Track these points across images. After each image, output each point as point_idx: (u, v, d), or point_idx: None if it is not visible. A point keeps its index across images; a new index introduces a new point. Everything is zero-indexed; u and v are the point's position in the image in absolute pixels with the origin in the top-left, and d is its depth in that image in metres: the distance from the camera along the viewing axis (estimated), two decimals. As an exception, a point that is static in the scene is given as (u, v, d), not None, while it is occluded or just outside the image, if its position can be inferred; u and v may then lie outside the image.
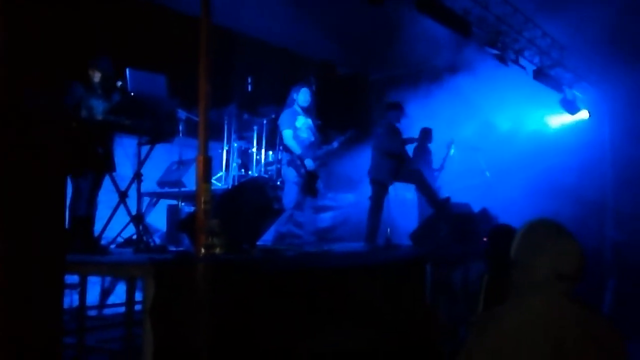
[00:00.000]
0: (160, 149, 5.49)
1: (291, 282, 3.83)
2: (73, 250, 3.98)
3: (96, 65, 4.97)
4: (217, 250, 3.53)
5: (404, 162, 6.72)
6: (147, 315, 3.10)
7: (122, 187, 5.02)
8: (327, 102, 7.72)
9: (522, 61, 7.74)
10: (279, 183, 6.74)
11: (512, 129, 9.16)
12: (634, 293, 7.93)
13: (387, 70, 10.60)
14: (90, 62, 4.97)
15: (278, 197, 5.23)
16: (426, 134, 8.05)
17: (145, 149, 5.13)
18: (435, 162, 8.19)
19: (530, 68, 7.92)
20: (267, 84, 7.81)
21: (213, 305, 3.17)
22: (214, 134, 6.68)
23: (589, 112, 9.32)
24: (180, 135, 6.52)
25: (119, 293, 6.30)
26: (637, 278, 8.09)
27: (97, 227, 4.96)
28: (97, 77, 4.97)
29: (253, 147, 7.21)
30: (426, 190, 6.87)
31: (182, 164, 6.63)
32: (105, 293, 6.40)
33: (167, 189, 6.80)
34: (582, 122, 9.36)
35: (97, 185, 4.88)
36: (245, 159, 7.19)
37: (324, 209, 7.72)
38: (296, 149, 6.12)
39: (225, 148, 7.11)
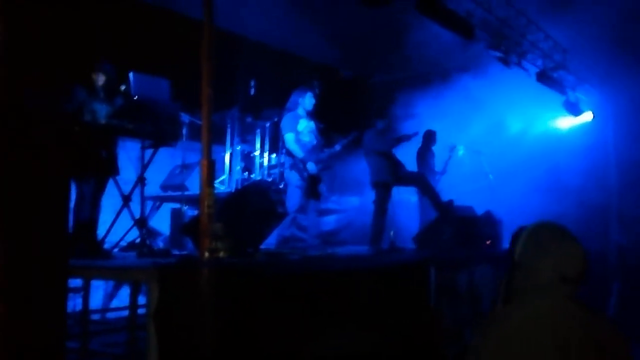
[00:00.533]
0: (164, 153, 5.49)
1: (295, 286, 3.82)
2: (76, 254, 3.98)
3: (100, 68, 4.98)
4: (221, 254, 3.52)
5: (395, 161, 6.71)
6: (151, 319, 3.09)
7: (126, 191, 5.02)
8: (330, 105, 7.71)
9: (525, 64, 7.74)
10: (282, 186, 6.73)
11: (516, 131, 9.14)
12: (638, 296, 7.90)
13: (390, 73, 10.61)
14: (94, 66, 4.98)
15: (282, 201, 5.22)
16: (430, 136, 8.04)
17: (148, 152, 5.13)
18: (438, 165, 8.17)
19: (533, 71, 7.92)
20: (269, 87, 7.80)
21: (217, 309, 3.16)
22: (217, 137, 6.69)
23: (592, 114, 9.30)
24: (184, 139, 6.52)
25: (122, 297, 6.30)
26: (641, 281, 8.08)
27: (101, 231, 4.97)
28: (101, 80, 4.98)
29: (256, 150, 7.20)
30: (429, 193, 6.86)
31: (185, 167, 6.63)
32: (109, 297, 6.41)
33: (170, 193, 6.80)
34: (585, 125, 9.34)
35: (100, 189, 4.88)
36: (248, 162, 7.19)
37: (328, 212, 7.71)
38: (298, 152, 6.12)
39: (228, 151, 7.12)
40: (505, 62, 7.29)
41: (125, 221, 5.07)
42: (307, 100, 6.26)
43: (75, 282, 4.81)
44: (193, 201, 6.26)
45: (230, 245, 3.61)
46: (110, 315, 6.28)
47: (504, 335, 2.03)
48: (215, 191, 3.69)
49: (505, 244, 6.86)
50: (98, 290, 6.15)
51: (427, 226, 6.67)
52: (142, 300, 4.87)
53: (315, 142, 6.31)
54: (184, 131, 6.58)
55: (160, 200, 7.00)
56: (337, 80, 10.20)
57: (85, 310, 4.72)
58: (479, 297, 5.84)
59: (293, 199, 6.11)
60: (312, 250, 5.63)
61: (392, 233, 6.58)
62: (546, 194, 8.29)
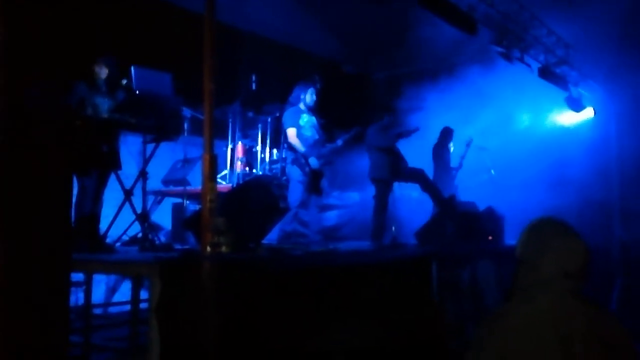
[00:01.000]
0: (165, 147, 5.49)
1: (297, 281, 3.82)
2: (78, 249, 3.98)
3: (103, 61, 4.97)
4: (223, 249, 3.52)
5: (398, 156, 6.70)
6: (153, 313, 3.09)
7: (127, 186, 5.02)
8: (332, 100, 7.70)
9: (527, 59, 7.70)
10: (283, 181, 6.73)
11: (518, 127, 9.13)
12: (641, 292, 7.91)
13: (392, 68, 10.58)
14: (97, 60, 4.97)
15: (283, 196, 5.22)
16: (447, 133, 8.02)
17: (150, 147, 5.13)
18: (454, 161, 8.16)
19: (536, 66, 7.88)
20: (271, 82, 7.79)
21: (219, 304, 3.17)
22: (218, 132, 6.67)
23: (594, 110, 9.28)
24: (185, 133, 6.51)
25: (124, 291, 6.31)
26: (644, 277, 8.08)
27: (103, 226, 4.97)
28: (103, 73, 4.98)
29: (257, 145, 7.20)
30: (431, 190, 6.85)
31: (186, 162, 6.62)
32: (111, 291, 6.41)
33: (172, 187, 6.80)
34: (588, 121, 9.31)
35: (102, 184, 4.88)
36: (249, 157, 7.18)
37: (330, 207, 7.71)
38: (300, 147, 6.11)
39: (230, 146, 7.11)
40: (508, 57, 7.26)
41: (127, 216, 5.07)
42: (309, 96, 6.26)
43: (78, 277, 4.81)
44: (194, 196, 6.26)
45: (232, 240, 3.61)
46: (112, 309, 6.28)
47: (507, 331, 2.04)
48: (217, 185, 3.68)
49: (508, 240, 6.87)
50: (100, 284, 6.16)
51: (429, 222, 6.67)
52: (144, 294, 4.87)
53: (317, 137, 6.30)
54: (186, 126, 6.57)
55: (162, 194, 7.00)
56: (339, 75, 10.18)
57: (88, 304, 4.71)
58: (481, 292, 5.84)
59: (295, 194, 6.11)
60: (314, 245, 5.62)
61: (393, 228, 6.58)
62: (549, 190, 8.28)
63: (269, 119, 7.22)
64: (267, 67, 8.15)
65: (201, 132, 3.67)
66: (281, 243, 5.62)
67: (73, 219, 4.18)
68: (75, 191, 4.49)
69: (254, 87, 7.23)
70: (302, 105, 6.29)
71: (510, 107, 8.73)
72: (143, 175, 5.02)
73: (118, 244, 5.10)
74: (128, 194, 4.98)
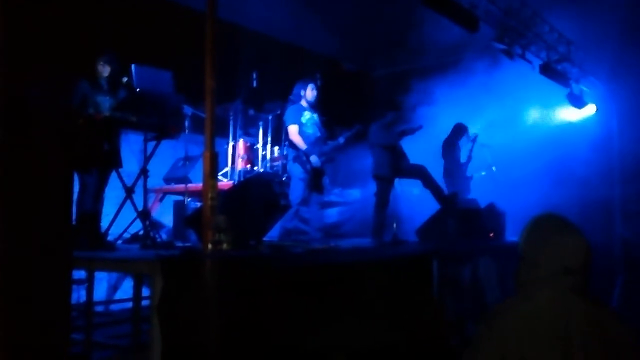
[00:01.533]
0: (166, 145, 5.49)
1: (298, 278, 3.82)
2: (80, 246, 3.99)
3: (105, 59, 4.97)
4: (224, 246, 3.52)
5: (400, 154, 6.69)
6: (154, 311, 3.10)
7: (128, 183, 5.03)
8: (333, 97, 7.70)
9: (528, 56, 7.69)
10: (284, 179, 6.73)
11: (520, 123, 9.11)
12: (642, 289, 7.92)
13: (393, 65, 10.57)
14: (99, 58, 4.97)
15: (285, 193, 5.23)
16: (459, 130, 8.01)
17: (151, 145, 5.13)
18: (463, 157, 8.16)
19: (537, 63, 7.86)
20: (272, 80, 7.78)
21: (220, 301, 3.17)
22: (219, 129, 6.67)
23: (596, 107, 9.26)
24: (186, 131, 6.51)
25: (126, 289, 6.32)
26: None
27: (104, 223, 4.97)
28: (106, 71, 4.98)
29: (258, 143, 7.20)
30: (432, 187, 6.84)
31: (188, 160, 6.63)
32: (112, 289, 6.43)
33: (173, 185, 6.81)
34: (590, 118, 9.30)
35: (103, 182, 4.89)
36: (250, 155, 7.18)
37: (331, 204, 7.71)
38: (302, 144, 6.11)
39: (231, 144, 7.11)
40: (509, 54, 7.24)
41: (129, 213, 5.08)
42: (309, 91, 6.26)
43: (79, 274, 4.82)
44: (195, 193, 6.26)
45: (233, 238, 3.61)
46: (114, 307, 6.30)
47: (506, 328, 2.04)
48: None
49: (509, 236, 6.86)
50: (102, 282, 6.17)
51: (430, 219, 6.67)
52: (145, 292, 4.88)
53: (318, 134, 6.30)
54: (187, 123, 6.57)
55: (163, 192, 7.01)
56: (340, 73, 10.17)
57: (89, 302, 4.72)
58: (481, 290, 5.84)
59: (296, 191, 6.11)
60: (315, 242, 5.63)
61: (394, 225, 6.58)
62: (550, 187, 8.27)
63: (270, 117, 7.22)
64: (268, 64, 8.15)
65: (202, 130, 3.67)
66: (282, 240, 5.62)
67: (74, 216, 4.19)
68: (76, 189, 4.50)
69: (255, 84, 7.23)
70: (303, 103, 6.29)
71: (511, 104, 8.71)
72: (144, 173, 5.03)
73: (119, 242, 5.11)
74: (129, 191, 4.98)
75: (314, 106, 6.36)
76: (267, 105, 7.35)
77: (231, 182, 6.74)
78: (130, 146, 5.30)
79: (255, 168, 7.07)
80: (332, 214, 7.83)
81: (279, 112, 6.99)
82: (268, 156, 7.20)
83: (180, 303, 3.15)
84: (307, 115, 6.25)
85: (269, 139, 7.23)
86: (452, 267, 5.54)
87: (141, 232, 5.05)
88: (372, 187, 6.84)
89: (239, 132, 7.18)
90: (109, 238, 4.93)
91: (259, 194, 4.52)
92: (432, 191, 6.85)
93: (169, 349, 3.05)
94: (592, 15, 7.19)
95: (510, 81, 7.86)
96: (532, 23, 7.52)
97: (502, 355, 2.01)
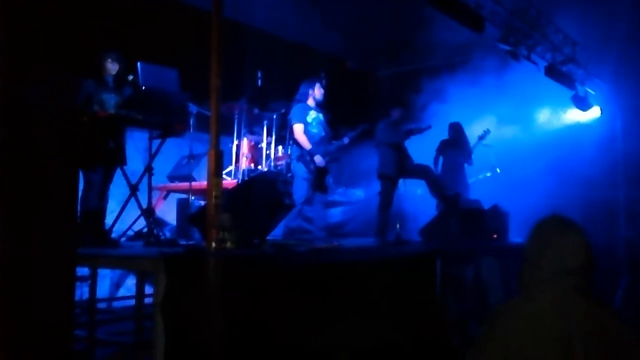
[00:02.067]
0: (171, 143, 5.50)
1: (302, 277, 3.82)
2: (84, 243, 4.00)
3: (114, 57, 4.98)
4: (228, 245, 3.52)
5: (404, 153, 6.68)
6: (158, 308, 3.10)
7: (133, 181, 5.04)
8: (338, 97, 7.70)
9: (534, 57, 7.66)
10: (289, 178, 6.73)
11: (524, 124, 9.10)
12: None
13: (398, 65, 10.56)
14: (107, 55, 4.98)
15: (289, 192, 5.22)
16: (453, 129, 7.97)
17: (156, 143, 5.14)
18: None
19: (542, 64, 7.84)
20: (277, 79, 7.79)
21: (223, 300, 3.18)
22: (224, 128, 6.67)
23: (600, 109, 9.24)
24: (191, 129, 6.52)
25: (128, 286, 6.34)
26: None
27: (108, 221, 4.99)
28: (114, 69, 4.99)
29: (263, 141, 7.20)
30: (436, 187, 6.84)
31: (192, 158, 6.64)
32: (115, 286, 6.44)
33: (177, 183, 6.82)
34: (594, 119, 9.28)
35: (108, 179, 4.90)
36: (255, 153, 7.19)
37: (334, 204, 7.71)
38: (306, 144, 6.11)
39: (236, 142, 7.12)
40: (515, 55, 7.22)
41: (133, 211, 5.09)
42: (317, 90, 6.25)
43: (83, 271, 4.84)
44: (200, 191, 6.28)
45: (236, 236, 3.61)
46: (116, 304, 6.31)
47: (509, 329, 2.05)
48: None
49: (513, 237, 6.85)
50: (105, 279, 6.19)
51: (433, 219, 6.66)
52: (148, 289, 4.89)
53: (323, 134, 6.29)
54: (192, 122, 6.59)
55: (167, 190, 7.02)
56: (345, 72, 10.16)
57: (92, 298, 4.74)
58: (484, 290, 5.84)
59: (299, 190, 6.11)
60: (318, 242, 5.63)
61: (398, 226, 6.57)
62: (554, 187, 8.26)
63: (275, 116, 7.23)
64: (273, 63, 8.15)
65: (207, 128, 3.67)
66: (286, 239, 5.63)
67: (79, 213, 4.20)
68: (81, 186, 4.51)
69: (260, 83, 7.23)
70: (310, 102, 6.28)
71: (516, 105, 8.70)
72: (149, 170, 5.04)
73: (123, 239, 5.12)
74: (134, 189, 5.00)
75: (321, 105, 6.35)
76: (271, 104, 7.35)
77: (235, 180, 6.75)
78: (135, 144, 5.31)
79: (260, 167, 7.08)
80: (335, 214, 7.84)
81: (283, 111, 7.00)
82: (272, 155, 7.20)
83: (184, 301, 3.15)
84: (312, 114, 6.25)
85: (274, 137, 7.24)
86: (455, 268, 5.54)
87: (145, 230, 5.06)
88: (375, 186, 6.84)
89: (243, 130, 7.18)
90: (113, 235, 4.95)
91: (263, 192, 4.52)
92: (436, 192, 6.85)
93: (172, 346, 3.05)
94: (597, 17, 7.18)
95: (516, 82, 7.85)
96: (538, 24, 7.50)
97: (505, 356, 2.01)
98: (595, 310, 2.02)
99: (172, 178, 6.94)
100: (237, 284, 3.32)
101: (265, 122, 7.24)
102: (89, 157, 4.62)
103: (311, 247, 4.75)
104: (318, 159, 6.08)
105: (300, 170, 6.17)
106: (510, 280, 5.85)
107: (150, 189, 5.09)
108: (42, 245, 2.44)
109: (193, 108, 6.51)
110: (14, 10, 2.35)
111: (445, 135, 7.99)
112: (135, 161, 5.24)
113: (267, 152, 7.19)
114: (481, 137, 8.04)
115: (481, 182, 8.46)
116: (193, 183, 6.27)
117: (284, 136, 7.15)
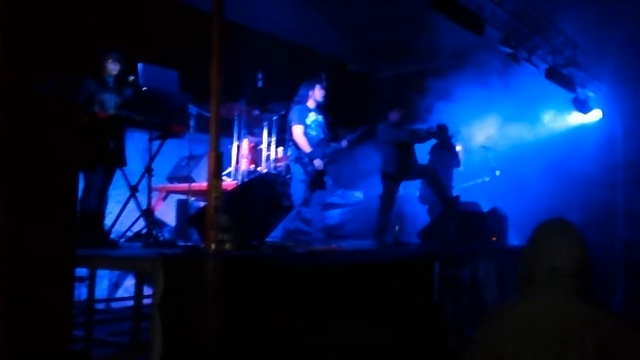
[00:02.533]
0: (170, 144, 5.50)
1: (300, 279, 3.82)
2: (83, 244, 4.00)
3: (116, 57, 4.98)
4: (227, 246, 3.53)
5: (407, 153, 6.67)
6: (156, 309, 3.10)
7: (132, 182, 5.04)
8: (337, 98, 7.70)
9: (534, 60, 7.66)
10: (287, 179, 6.73)
11: (524, 127, 9.10)
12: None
13: (398, 67, 10.57)
14: (109, 55, 4.98)
15: (287, 194, 5.22)
16: (442, 129, 7.96)
17: (155, 144, 5.14)
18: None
19: (543, 67, 7.84)
20: (277, 80, 7.79)
21: (222, 301, 3.18)
22: (224, 129, 6.67)
23: (601, 112, 9.24)
24: (191, 130, 6.53)
25: (126, 287, 6.34)
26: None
27: (107, 221, 4.99)
28: (115, 69, 4.99)
29: (262, 143, 7.20)
30: (437, 188, 6.82)
31: (192, 159, 6.64)
32: (114, 287, 6.44)
33: (176, 184, 6.82)
34: (594, 122, 9.28)
35: (107, 180, 4.91)
36: (254, 155, 7.19)
37: (332, 206, 7.71)
38: (306, 146, 6.09)
39: (235, 144, 7.12)
40: (515, 58, 7.21)
41: (132, 212, 5.09)
42: (318, 91, 6.24)
43: (81, 272, 4.83)
44: (199, 193, 6.28)
45: (235, 238, 3.62)
46: (115, 304, 6.31)
47: (504, 330, 2.06)
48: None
49: (511, 240, 6.86)
50: (103, 280, 6.18)
51: (432, 221, 6.66)
52: (147, 290, 4.89)
53: (322, 136, 6.28)
54: (192, 123, 6.59)
55: (166, 191, 7.02)
56: (345, 73, 10.16)
57: (91, 299, 4.73)
58: (482, 292, 5.84)
59: (297, 192, 6.10)
60: (316, 243, 5.63)
61: (396, 228, 6.57)
62: (553, 190, 8.26)
63: (275, 117, 7.23)
64: (273, 64, 8.15)
65: (207, 129, 3.67)
66: (284, 241, 5.63)
67: (78, 214, 4.20)
68: (81, 187, 4.51)
69: (259, 84, 7.24)
70: (310, 103, 6.26)
71: (516, 107, 8.69)
72: (149, 171, 5.04)
73: (122, 240, 5.12)
74: (133, 190, 5.00)
75: (321, 107, 6.34)
76: (271, 106, 7.34)
77: (235, 182, 6.75)
78: (135, 144, 5.31)
79: (259, 168, 7.08)
80: (334, 215, 7.84)
81: (283, 112, 6.99)
82: (272, 156, 7.20)
83: (182, 302, 3.16)
84: (312, 116, 6.24)
85: (273, 139, 7.24)
86: (453, 270, 5.54)
87: (144, 231, 5.06)
88: (374, 188, 6.83)
89: (243, 132, 7.19)
90: (112, 236, 4.95)
91: (262, 194, 4.52)
92: (437, 193, 6.84)
93: (170, 347, 3.05)
94: (598, 19, 7.18)
95: (519, 84, 7.85)
96: (539, 26, 7.50)
97: (501, 357, 2.01)
98: (591, 312, 2.02)
99: (171, 179, 6.94)
100: (235, 285, 3.33)
101: (265, 124, 7.24)
102: (89, 158, 4.63)
103: (309, 248, 4.76)
104: (318, 162, 6.06)
105: (297, 172, 6.16)
106: (507, 283, 5.86)
107: (150, 189, 5.09)
108: (42, 245, 2.45)
109: (193, 109, 6.51)
110: (14, 10, 2.35)
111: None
112: (134, 162, 5.24)
113: (267, 153, 7.20)
114: (450, 137, 7.98)
115: (480, 185, 8.46)
116: (192, 184, 6.27)
117: (284, 138, 7.15)
